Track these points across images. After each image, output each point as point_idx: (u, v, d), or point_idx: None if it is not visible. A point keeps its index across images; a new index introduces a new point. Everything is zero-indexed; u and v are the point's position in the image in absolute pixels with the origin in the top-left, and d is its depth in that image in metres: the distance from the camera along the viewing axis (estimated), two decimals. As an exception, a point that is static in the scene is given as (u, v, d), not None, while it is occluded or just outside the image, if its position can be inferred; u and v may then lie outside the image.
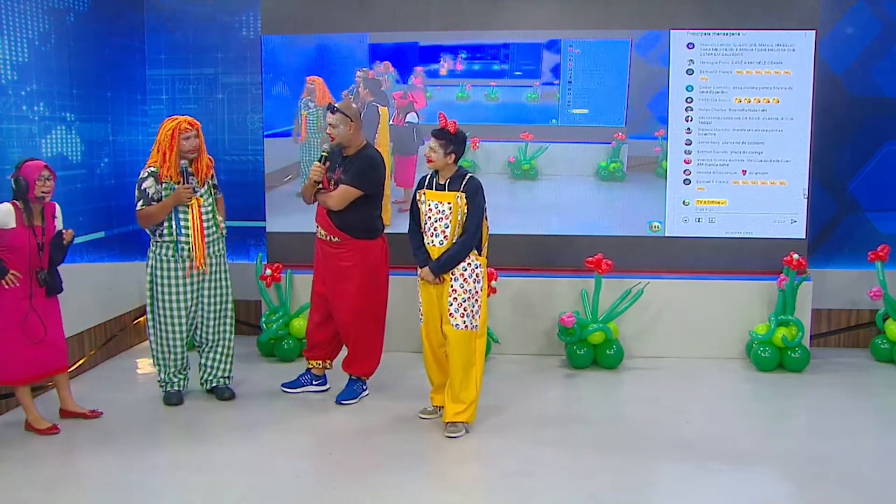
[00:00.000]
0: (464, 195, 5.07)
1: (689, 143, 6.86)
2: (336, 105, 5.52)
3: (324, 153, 5.55)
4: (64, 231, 5.17)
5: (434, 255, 5.14)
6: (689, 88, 6.82)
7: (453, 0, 6.90)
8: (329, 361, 5.95)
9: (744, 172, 6.83)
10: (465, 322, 5.08)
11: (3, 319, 4.96)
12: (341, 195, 5.45)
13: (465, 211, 5.07)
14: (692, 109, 6.84)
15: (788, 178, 6.79)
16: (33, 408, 5.16)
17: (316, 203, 5.64)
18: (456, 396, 5.15)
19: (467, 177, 5.14)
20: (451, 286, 5.09)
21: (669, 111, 6.86)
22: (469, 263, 5.11)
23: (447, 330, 5.12)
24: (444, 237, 5.09)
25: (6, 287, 4.93)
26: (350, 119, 5.47)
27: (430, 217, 5.14)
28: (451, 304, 5.09)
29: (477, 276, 5.13)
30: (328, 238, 5.61)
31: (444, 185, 5.13)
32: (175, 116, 5.54)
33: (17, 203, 4.97)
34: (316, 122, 7.08)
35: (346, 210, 5.49)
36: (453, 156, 5.12)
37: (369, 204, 5.55)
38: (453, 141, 5.09)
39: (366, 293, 5.60)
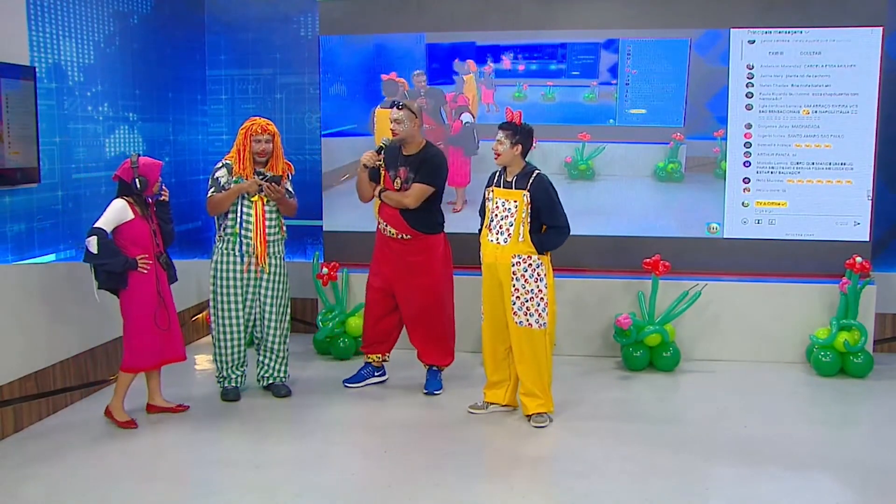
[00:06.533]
0: (529, 194, 5.04)
1: (748, 145, 6.76)
2: (402, 101, 5.65)
3: (382, 145, 5.65)
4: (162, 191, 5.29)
5: (491, 250, 5.16)
6: (749, 88, 6.71)
7: (511, 0, 6.89)
8: (387, 354, 6.07)
9: (805, 174, 6.70)
10: (528, 319, 5.12)
11: (138, 309, 5.12)
12: (418, 193, 5.58)
13: (530, 210, 5.04)
14: (752, 109, 6.73)
15: (852, 178, 6.64)
16: (123, 399, 5.25)
17: (373, 200, 5.75)
18: (529, 391, 5.22)
19: (534, 174, 5.11)
20: (513, 285, 5.11)
21: (729, 111, 6.76)
22: (530, 264, 5.10)
23: (511, 326, 5.16)
24: (509, 235, 5.08)
25: (144, 272, 5.08)
26: (415, 115, 5.60)
27: (496, 214, 5.14)
28: (514, 303, 5.13)
29: (539, 275, 5.12)
30: (399, 236, 5.70)
31: (512, 182, 5.11)
32: (255, 118, 5.63)
33: (128, 199, 5.09)
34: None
35: (418, 207, 5.61)
36: (520, 147, 5.11)
37: (436, 200, 5.70)
38: (519, 132, 5.08)
39: (438, 285, 5.76)
